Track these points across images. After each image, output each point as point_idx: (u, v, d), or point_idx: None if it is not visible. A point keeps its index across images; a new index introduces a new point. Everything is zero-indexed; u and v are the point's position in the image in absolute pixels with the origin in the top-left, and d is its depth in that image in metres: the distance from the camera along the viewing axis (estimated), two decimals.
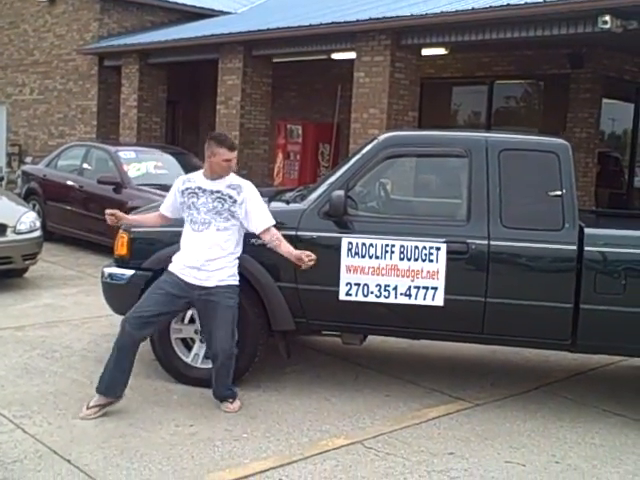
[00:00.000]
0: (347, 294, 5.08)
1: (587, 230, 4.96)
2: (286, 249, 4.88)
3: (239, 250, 4.97)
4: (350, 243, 5.06)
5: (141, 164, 10.59)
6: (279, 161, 15.05)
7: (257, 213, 4.87)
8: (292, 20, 13.42)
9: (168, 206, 5.11)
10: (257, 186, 5.04)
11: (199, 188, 4.89)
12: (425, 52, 12.03)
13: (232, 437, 4.52)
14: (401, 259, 5.00)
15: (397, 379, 5.74)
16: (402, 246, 4.98)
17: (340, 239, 5.08)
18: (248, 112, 14.09)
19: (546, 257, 4.95)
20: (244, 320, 5.15)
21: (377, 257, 5.02)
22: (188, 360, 5.36)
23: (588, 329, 4.93)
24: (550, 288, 4.94)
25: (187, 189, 4.94)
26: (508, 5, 9.74)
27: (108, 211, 5.10)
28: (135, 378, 5.40)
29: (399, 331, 5.39)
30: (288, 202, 5.53)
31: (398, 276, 5.00)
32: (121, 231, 5.60)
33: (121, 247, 5.55)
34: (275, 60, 14.30)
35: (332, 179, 5.36)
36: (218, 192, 4.85)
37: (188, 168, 11.12)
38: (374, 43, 11.66)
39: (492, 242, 4.95)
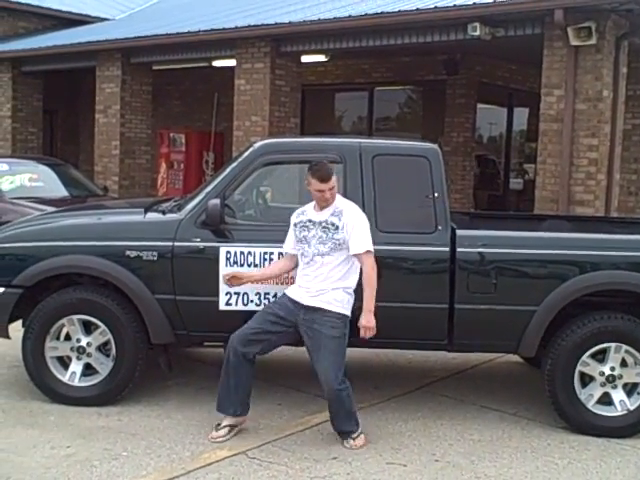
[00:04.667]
0: (227, 304, 5.03)
1: (459, 232, 5.09)
2: (367, 298, 4.64)
3: (352, 281, 4.72)
4: (228, 252, 5.01)
5: (15, 177, 10.21)
6: (163, 171, 14.79)
7: (355, 236, 4.64)
8: (171, 27, 13.26)
9: (290, 243, 4.85)
10: (138, 197, 4.91)
11: (309, 221, 4.74)
12: (305, 59, 12.14)
13: (111, 456, 4.39)
14: None
15: (282, 387, 5.72)
16: (280, 254, 4.98)
17: (218, 249, 5.03)
18: (128, 121, 13.82)
19: (420, 259, 5.05)
20: (122, 334, 5.05)
21: (256, 265, 5.00)
22: (65, 379, 5.18)
23: (463, 328, 5.06)
24: (426, 290, 5.04)
25: (299, 222, 4.77)
26: (382, 13, 9.97)
27: (227, 275, 4.89)
28: (7, 400, 5.21)
29: None
30: (164, 212, 5.42)
31: (277, 284, 5.00)
32: None
33: None
34: (155, 68, 14.09)
35: (209, 188, 5.29)
36: (324, 222, 4.69)
37: (66, 180, 10.91)
38: (254, 50, 11.67)
39: None
